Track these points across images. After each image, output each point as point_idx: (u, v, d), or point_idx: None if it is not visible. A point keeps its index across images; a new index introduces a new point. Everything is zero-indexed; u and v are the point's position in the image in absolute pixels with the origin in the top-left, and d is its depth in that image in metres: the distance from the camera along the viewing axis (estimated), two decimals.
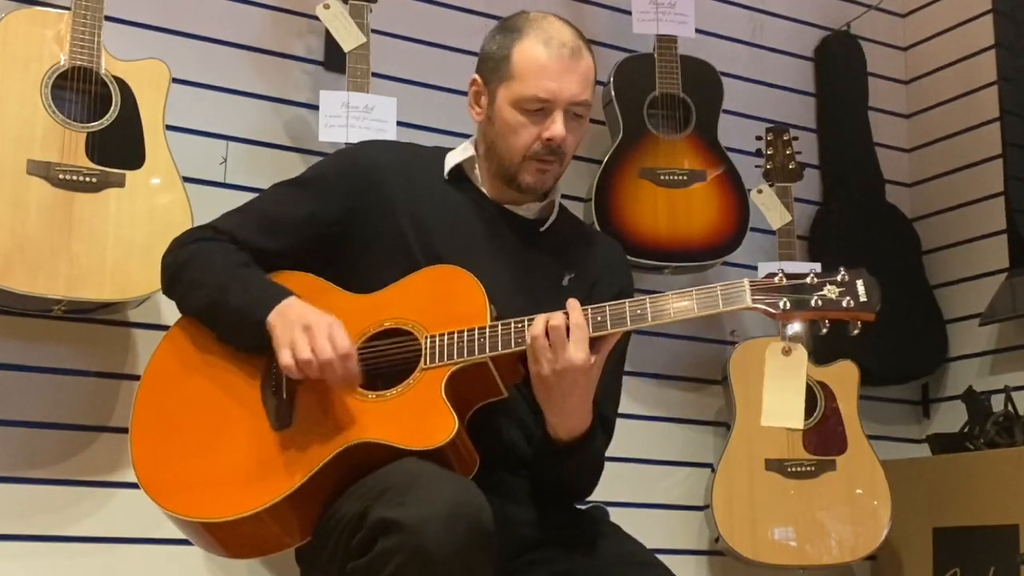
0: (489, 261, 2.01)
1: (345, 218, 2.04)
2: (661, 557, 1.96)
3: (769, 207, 3.28)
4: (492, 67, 2.05)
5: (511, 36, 2.04)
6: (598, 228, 3.00)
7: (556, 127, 2.00)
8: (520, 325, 1.86)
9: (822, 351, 3.35)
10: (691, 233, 3.17)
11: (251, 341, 1.92)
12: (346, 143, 2.76)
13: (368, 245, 2.02)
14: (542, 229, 2.12)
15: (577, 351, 1.81)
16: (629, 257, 2.99)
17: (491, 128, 2.06)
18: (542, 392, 1.87)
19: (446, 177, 2.11)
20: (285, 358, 1.84)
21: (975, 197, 3.65)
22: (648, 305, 1.85)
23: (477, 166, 2.11)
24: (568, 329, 1.82)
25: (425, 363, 1.87)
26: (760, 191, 3.29)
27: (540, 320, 1.83)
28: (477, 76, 2.10)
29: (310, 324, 1.84)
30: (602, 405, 2.02)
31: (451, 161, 2.12)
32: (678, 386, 3.37)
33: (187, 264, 2.01)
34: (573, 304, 1.85)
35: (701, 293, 1.84)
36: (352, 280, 2.02)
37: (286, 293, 1.92)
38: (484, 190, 2.11)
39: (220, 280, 1.96)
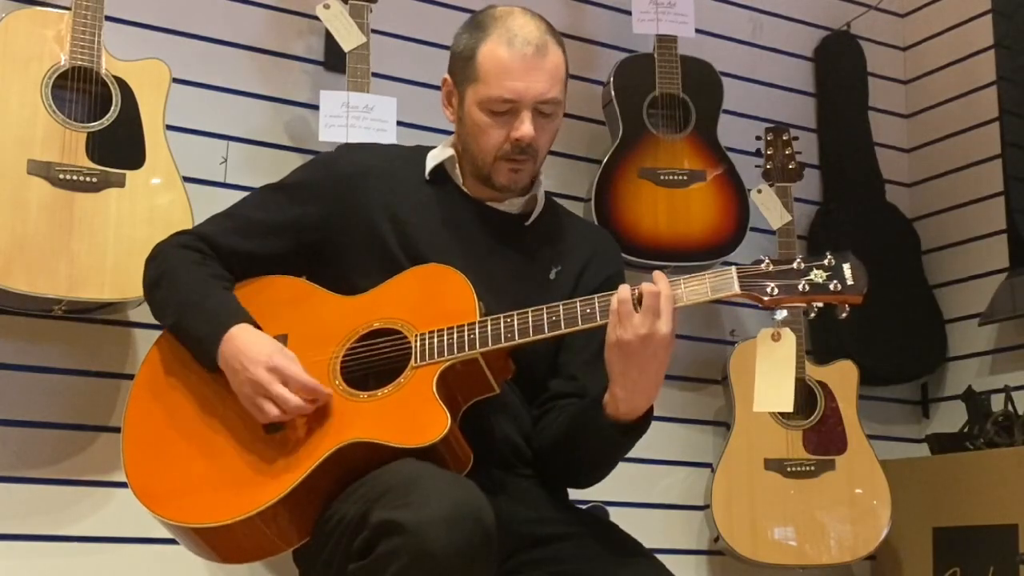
0: (474, 259, 2.00)
1: (325, 224, 2.04)
2: (660, 556, 1.96)
3: (769, 207, 3.28)
4: (460, 67, 2.04)
5: (476, 35, 2.02)
6: None
7: (524, 127, 1.97)
8: (510, 320, 1.86)
9: (822, 351, 3.36)
10: (691, 233, 3.17)
11: (214, 370, 1.94)
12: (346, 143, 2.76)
13: (349, 250, 2.03)
14: (527, 223, 2.11)
15: (667, 323, 1.79)
16: (629, 257, 3.01)
17: (463, 129, 2.05)
18: (619, 362, 1.82)
19: (427, 177, 2.10)
20: (261, 420, 1.87)
21: (975, 197, 3.65)
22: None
23: (457, 164, 2.10)
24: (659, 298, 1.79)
25: (416, 361, 1.87)
26: (760, 191, 3.29)
27: (626, 286, 1.81)
28: (448, 76, 2.08)
29: (254, 379, 1.85)
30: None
31: (432, 161, 2.10)
32: (678, 386, 3.37)
33: (159, 281, 2.04)
34: (660, 275, 1.82)
35: (690, 282, 1.83)
36: (337, 284, 2.02)
37: (228, 325, 1.91)
38: (465, 188, 2.09)
39: (180, 306, 1.98)
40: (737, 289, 1.83)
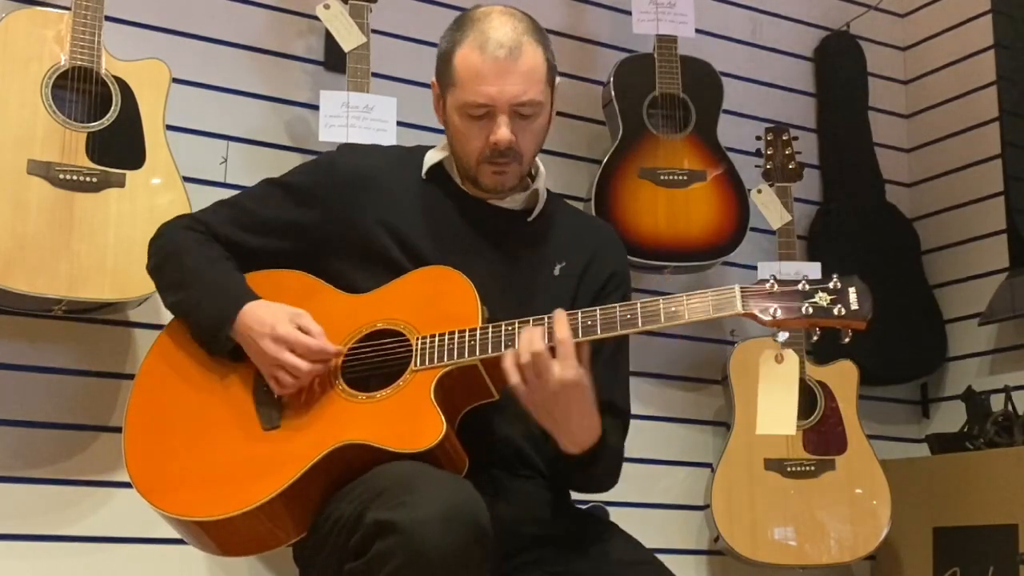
0: (476, 258, 1.99)
1: (323, 228, 2.04)
2: (660, 557, 1.96)
3: (769, 207, 3.28)
4: (442, 70, 2.02)
5: (454, 38, 2.00)
6: None
7: (500, 132, 1.95)
8: (511, 328, 1.85)
9: (822, 351, 3.35)
10: (691, 233, 3.17)
11: (217, 349, 1.95)
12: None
13: (349, 253, 2.02)
14: (529, 219, 2.09)
15: (567, 369, 1.78)
16: (629, 257, 3.01)
17: (448, 132, 2.05)
18: (541, 417, 1.84)
19: (424, 177, 2.09)
20: (280, 391, 1.89)
21: (975, 197, 3.65)
22: (639, 310, 1.83)
23: (455, 164, 2.09)
24: (552, 349, 1.79)
25: (415, 365, 1.87)
26: (760, 191, 3.29)
27: (510, 356, 1.80)
28: (434, 80, 2.06)
29: (264, 352, 1.87)
30: (611, 394, 2.02)
31: (429, 161, 2.09)
32: (678, 386, 3.38)
33: (166, 260, 2.04)
34: (559, 317, 1.81)
35: (692, 299, 1.83)
36: (339, 283, 2.02)
37: (240, 304, 1.93)
38: (464, 187, 2.08)
39: (188, 284, 1.99)
40: (740, 309, 1.81)
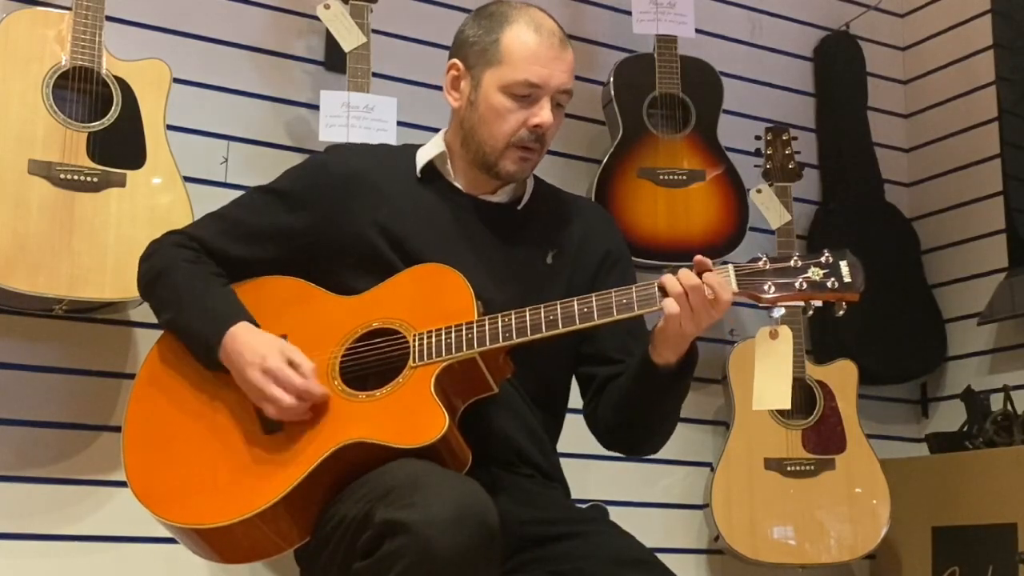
0: (469, 256, 2.00)
1: (316, 231, 2.04)
2: (660, 556, 1.96)
3: (768, 207, 3.28)
4: (478, 51, 2.03)
5: (498, 21, 2.02)
6: None
7: (544, 113, 1.99)
8: (508, 320, 1.86)
9: (822, 350, 3.36)
10: (690, 233, 3.18)
11: (212, 367, 1.95)
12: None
13: (343, 255, 2.02)
14: (518, 208, 2.10)
15: (720, 308, 1.82)
16: None
17: (473, 114, 2.03)
18: (676, 341, 1.88)
19: (418, 175, 2.09)
20: (268, 415, 1.88)
21: (974, 197, 3.65)
22: (635, 293, 1.85)
23: (449, 160, 2.09)
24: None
25: (414, 361, 1.87)
26: (759, 191, 3.29)
27: (671, 303, 1.81)
28: (457, 60, 2.06)
29: (251, 381, 1.86)
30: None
31: (422, 159, 2.10)
32: None
33: (157, 278, 2.04)
34: (702, 261, 1.83)
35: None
36: (334, 286, 2.02)
37: (229, 323, 1.92)
38: (457, 184, 2.08)
39: (179, 303, 1.99)
40: (735, 287, 1.84)
